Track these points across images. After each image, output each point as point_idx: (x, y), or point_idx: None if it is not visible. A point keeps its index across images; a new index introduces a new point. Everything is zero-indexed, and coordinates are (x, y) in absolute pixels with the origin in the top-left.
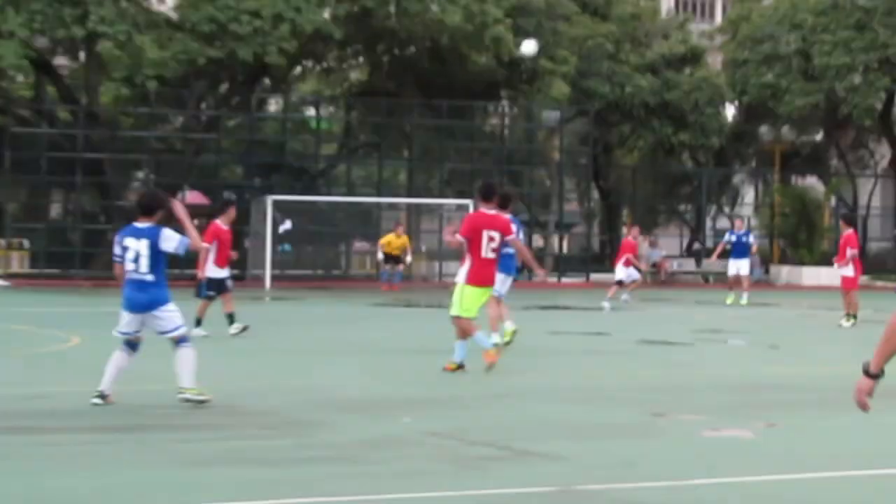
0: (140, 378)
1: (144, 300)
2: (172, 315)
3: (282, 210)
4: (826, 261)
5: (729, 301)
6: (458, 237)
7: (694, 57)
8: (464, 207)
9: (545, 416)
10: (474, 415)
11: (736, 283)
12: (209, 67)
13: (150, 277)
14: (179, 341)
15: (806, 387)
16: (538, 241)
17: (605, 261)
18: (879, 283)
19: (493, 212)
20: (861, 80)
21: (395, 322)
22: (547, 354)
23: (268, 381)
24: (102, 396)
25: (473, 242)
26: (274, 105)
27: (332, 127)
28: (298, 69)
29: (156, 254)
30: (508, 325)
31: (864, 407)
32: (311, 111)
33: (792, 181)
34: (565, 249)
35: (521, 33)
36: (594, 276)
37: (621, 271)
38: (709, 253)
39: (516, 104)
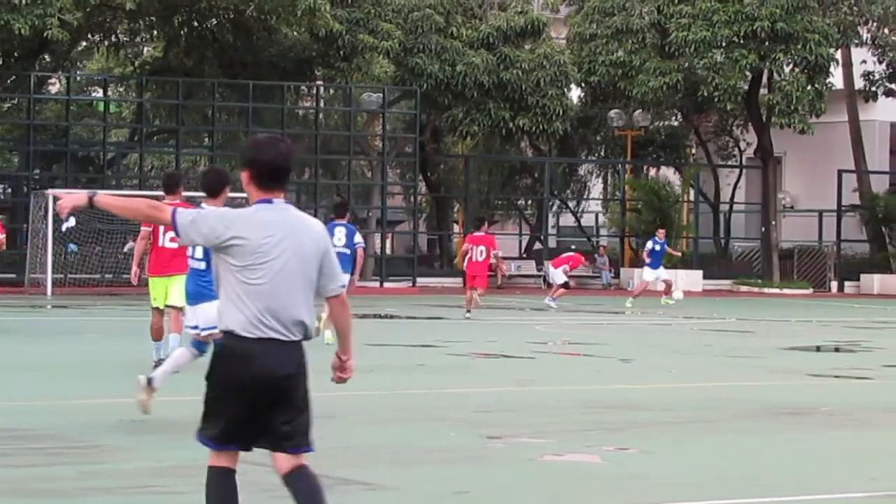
0: None
1: None
2: None
3: None
4: (684, 263)
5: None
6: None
7: (535, 31)
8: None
9: (367, 440)
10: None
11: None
12: None
13: None
14: None
15: (660, 405)
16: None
17: (433, 262)
18: (744, 288)
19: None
20: (724, 58)
21: None
22: (369, 370)
23: (49, 400)
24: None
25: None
26: (56, 85)
27: (122, 110)
28: (83, 44)
29: None
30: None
31: None
32: (98, 92)
33: (646, 172)
34: (389, 250)
35: (337, 4)
36: (421, 280)
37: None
38: (551, 254)
39: (333, 84)
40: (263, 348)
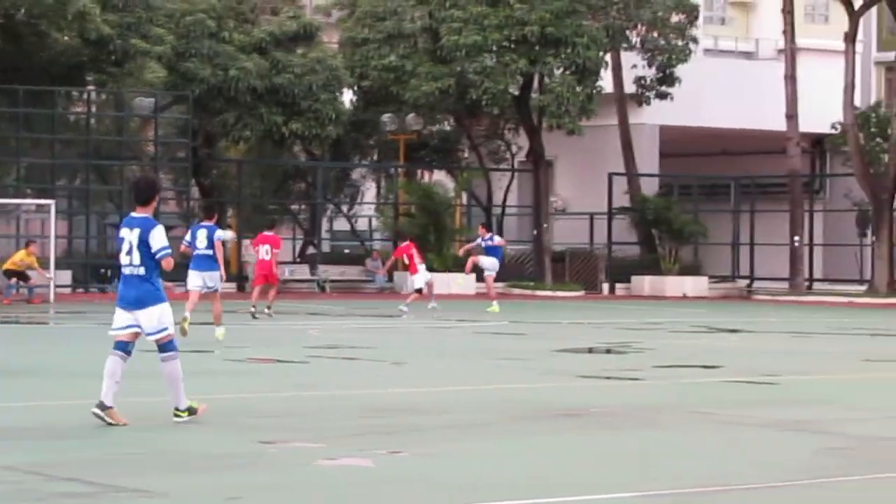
0: None
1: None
2: None
3: None
4: (458, 266)
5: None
6: None
7: (307, 35)
8: (46, 208)
9: (140, 447)
10: (62, 446)
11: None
12: None
13: None
14: None
15: (435, 409)
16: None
17: None
18: (517, 291)
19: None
20: (495, 62)
21: None
22: (140, 377)
23: None
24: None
25: None
26: None
27: None
28: None
29: None
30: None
31: None
32: None
33: (419, 176)
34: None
35: (108, 8)
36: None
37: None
38: (325, 258)
39: (105, 90)
40: None
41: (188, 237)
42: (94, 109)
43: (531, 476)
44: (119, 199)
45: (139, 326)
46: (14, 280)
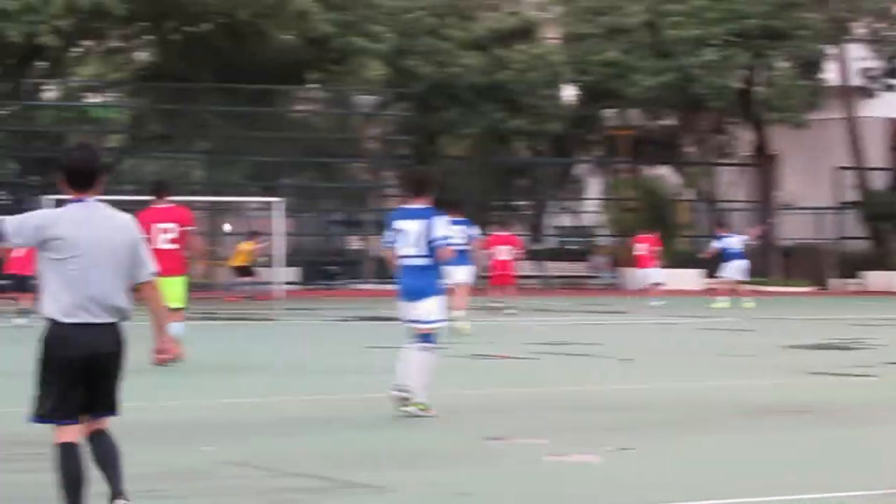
0: None
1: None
2: None
3: None
4: (685, 262)
5: (723, 306)
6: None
7: (527, 31)
8: (271, 206)
9: (368, 443)
10: (288, 442)
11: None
12: None
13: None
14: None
15: (661, 405)
16: (355, 242)
17: None
18: (746, 287)
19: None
20: (717, 56)
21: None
22: (365, 372)
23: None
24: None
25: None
26: (50, 92)
27: (116, 116)
28: (77, 50)
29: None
30: None
31: None
32: (92, 98)
33: (642, 172)
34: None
35: (329, 7)
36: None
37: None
38: (551, 253)
39: (328, 88)
40: (83, 331)
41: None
42: (316, 108)
43: (760, 474)
44: (343, 197)
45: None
46: (241, 277)
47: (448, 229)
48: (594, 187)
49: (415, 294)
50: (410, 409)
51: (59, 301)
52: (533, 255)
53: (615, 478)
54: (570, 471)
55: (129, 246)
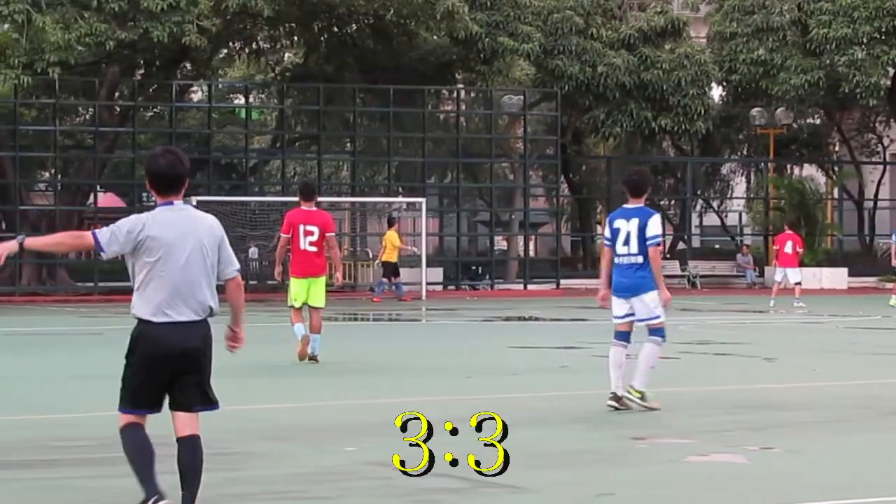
0: (47, 406)
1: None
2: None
3: (210, 213)
4: (829, 261)
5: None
6: None
7: (675, 30)
8: (417, 206)
9: (510, 443)
10: (430, 442)
11: None
12: (121, 51)
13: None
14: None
15: (805, 404)
16: (501, 242)
17: (576, 264)
18: (890, 285)
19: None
20: (865, 54)
21: (336, 338)
22: (509, 372)
23: None
24: (616, 399)
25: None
26: (197, 93)
27: (263, 117)
28: (224, 52)
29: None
30: None
31: None
32: (239, 99)
33: (788, 170)
34: (532, 252)
35: (476, 7)
36: (564, 282)
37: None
38: (694, 253)
39: (473, 88)
40: (174, 328)
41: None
42: (462, 108)
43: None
44: (489, 197)
45: (634, 314)
46: (388, 279)
47: (659, 228)
48: (740, 186)
49: (629, 291)
50: (633, 399)
51: (150, 302)
52: (679, 255)
53: (759, 478)
54: (714, 471)
55: (216, 245)
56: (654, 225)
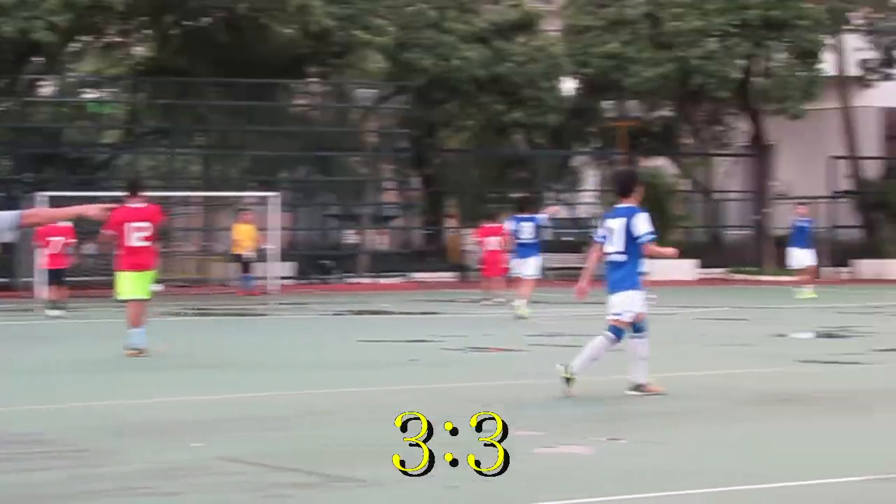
0: None
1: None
2: None
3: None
4: (679, 252)
5: (805, 296)
6: None
7: (528, 24)
8: (268, 200)
9: (361, 438)
10: (280, 437)
11: (806, 273)
12: None
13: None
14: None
15: (654, 396)
16: (352, 236)
17: (427, 257)
18: (739, 277)
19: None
20: (717, 46)
21: (185, 333)
22: (362, 367)
23: (36, 403)
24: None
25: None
26: (47, 88)
27: (114, 111)
28: (74, 46)
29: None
30: None
31: None
32: (90, 94)
33: (639, 163)
34: (383, 245)
35: (330, 0)
36: (416, 276)
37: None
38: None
39: (327, 82)
40: None
41: (512, 227)
42: (315, 102)
43: (748, 462)
44: (341, 191)
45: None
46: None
47: (650, 225)
48: (592, 179)
49: (612, 287)
50: (635, 393)
51: None
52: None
53: (605, 469)
54: (560, 462)
55: None
56: (639, 222)
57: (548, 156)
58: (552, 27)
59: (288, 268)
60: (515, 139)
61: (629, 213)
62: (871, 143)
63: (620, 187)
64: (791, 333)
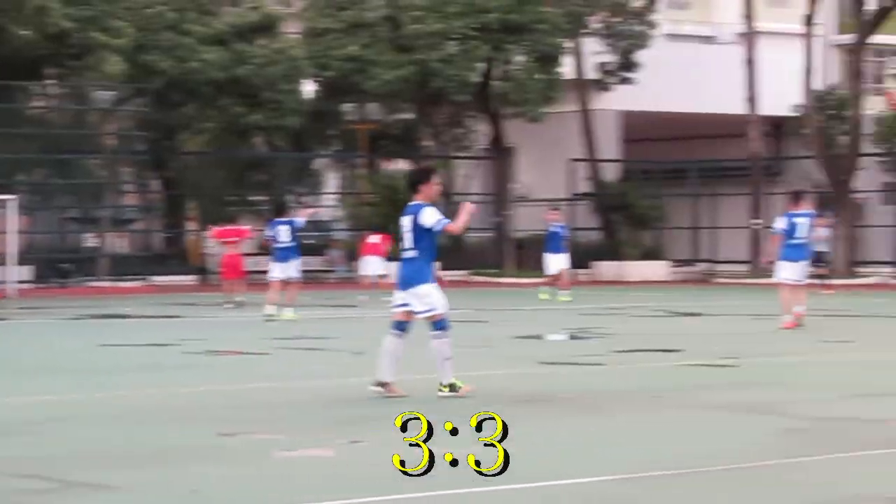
0: None
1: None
2: None
3: None
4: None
5: (544, 297)
6: None
7: (268, 26)
8: (5, 203)
9: (100, 442)
10: (21, 443)
11: (555, 279)
12: None
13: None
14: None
15: (392, 397)
16: (91, 239)
17: (167, 260)
18: (480, 278)
19: None
20: (457, 50)
21: None
22: (99, 372)
23: None
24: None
25: None
26: None
27: None
28: None
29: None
30: None
31: None
32: None
33: (381, 165)
34: (123, 248)
35: (68, 2)
36: (156, 279)
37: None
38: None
39: (65, 84)
40: None
41: (270, 230)
42: (53, 103)
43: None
44: (80, 193)
45: (409, 305)
46: None
47: (436, 214)
48: (332, 182)
49: (405, 284)
50: (444, 392)
51: None
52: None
53: (345, 471)
54: (302, 465)
55: None
56: (426, 215)
57: (288, 158)
58: (292, 30)
59: (26, 271)
60: (256, 142)
61: (416, 210)
62: (609, 145)
63: (408, 184)
64: (548, 335)
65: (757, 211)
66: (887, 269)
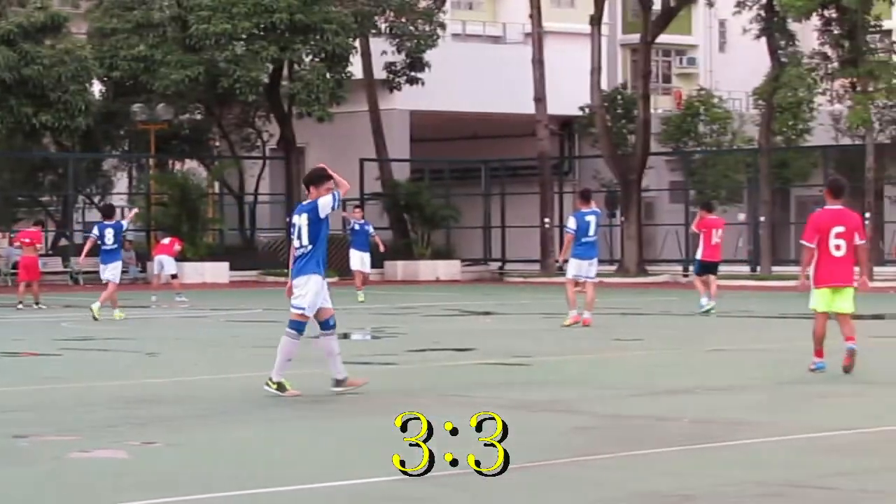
0: None
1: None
2: None
3: None
4: (211, 255)
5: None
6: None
7: (56, 26)
8: None
9: None
10: None
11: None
12: None
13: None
14: None
15: (186, 398)
16: None
17: None
18: (270, 279)
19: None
20: (245, 50)
21: None
22: None
23: None
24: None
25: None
26: None
27: None
28: None
29: None
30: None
31: None
32: None
33: (171, 166)
34: None
35: None
36: None
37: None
38: (78, 249)
39: None
40: None
41: (96, 232)
42: None
43: (277, 463)
44: None
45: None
46: None
47: (331, 203)
48: (122, 182)
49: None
50: (272, 391)
51: None
52: (61, 251)
53: (139, 473)
54: (96, 467)
55: None
56: (322, 204)
57: (78, 159)
58: (80, 30)
59: None
60: (45, 142)
61: (311, 207)
62: (400, 145)
63: (304, 183)
64: (353, 335)
65: (547, 210)
66: (677, 268)
